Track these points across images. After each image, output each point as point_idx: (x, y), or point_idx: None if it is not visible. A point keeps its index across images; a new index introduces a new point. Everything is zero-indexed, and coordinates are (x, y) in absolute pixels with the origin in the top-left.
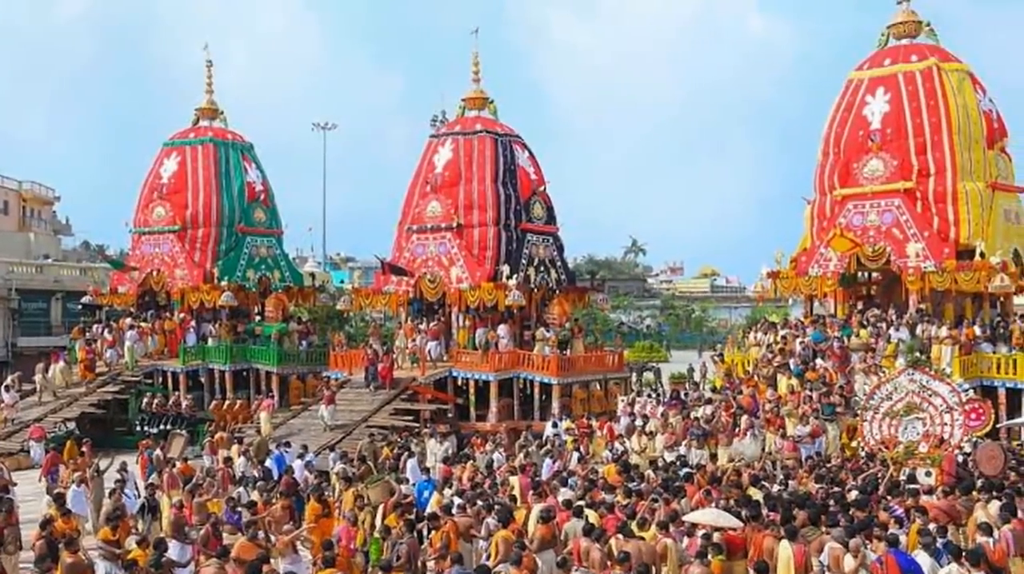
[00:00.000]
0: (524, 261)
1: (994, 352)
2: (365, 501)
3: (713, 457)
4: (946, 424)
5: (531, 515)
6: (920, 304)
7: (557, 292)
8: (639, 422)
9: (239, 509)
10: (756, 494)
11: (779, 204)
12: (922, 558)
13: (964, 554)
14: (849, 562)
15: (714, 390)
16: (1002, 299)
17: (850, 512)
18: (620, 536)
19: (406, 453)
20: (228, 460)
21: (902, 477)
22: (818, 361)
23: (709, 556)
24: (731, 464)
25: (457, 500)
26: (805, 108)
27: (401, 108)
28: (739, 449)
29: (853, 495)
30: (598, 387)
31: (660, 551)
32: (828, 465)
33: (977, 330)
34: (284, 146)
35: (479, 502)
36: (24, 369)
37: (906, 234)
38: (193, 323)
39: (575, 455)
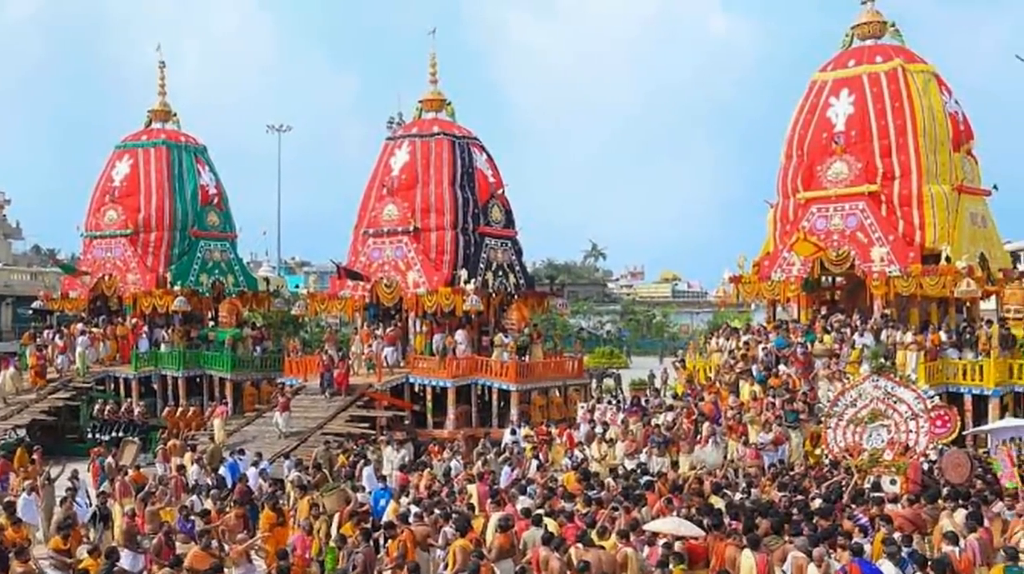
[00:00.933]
0: (482, 265)
1: (960, 358)
2: (320, 509)
3: (674, 465)
4: (911, 431)
5: (489, 524)
6: (885, 309)
7: (516, 297)
8: (599, 429)
9: (192, 518)
10: (718, 502)
11: (741, 207)
12: (887, 567)
13: (929, 563)
14: (813, 572)
15: (675, 397)
16: (968, 304)
17: (814, 521)
18: (580, 545)
19: (362, 461)
20: (181, 468)
21: (866, 485)
22: (781, 367)
23: (670, 565)
24: (693, 472)
25: (414, 508)
26: (768, 109)
27: (357, 110)
28: (701, 457)
29: (817, 503)
30: (557, 394)
31: (620, 560)
32: (791, 473)
33: (943, 336)
34: (238, 148)
35: (436, 511)
36: None
37: (871, 238)
38: (145, 328)
39: (534, 463)
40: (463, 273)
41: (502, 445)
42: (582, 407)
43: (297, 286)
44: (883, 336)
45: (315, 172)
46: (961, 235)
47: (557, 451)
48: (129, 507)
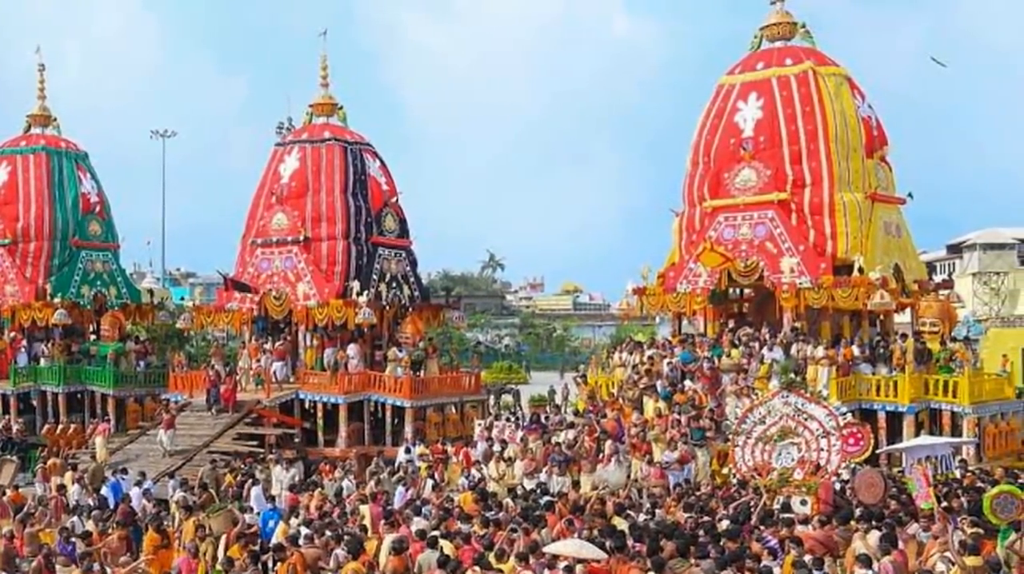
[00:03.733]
0: (375, 277)
1: (873, 373)
2: (207, 531)
3: (575, 484)
4: (823, 450)
5: (382, 546)
6: (795, 322)
7: (410, 309)
8: (497, 447)
9: (73, 540)
10: (621, 524)
11: (646, 216)
12: None
13: None
14: None
15: (577, 413)
16: (882, 317)
17: (721, 543)
18: (477, 568)
19: (250, 480)
20: (62, 488)
21: (776, 506)
22: (687, 383)
23: None
24: (595, 492)
25: (304, 530)
26: (674, 114)
27: (245, 114)
28: (603, 476)
29: (724, 525)
30: (454, 410)
31: None
32: (698, 493)
33: (855, 350)
34: (121, 155)
35: (327, 532)
36: None
37: (780, 248)
38: (24, 342)
39: (429, 482)
40: (355, 285)
41: (396, 464)
42: (479, 424)
43: (182, 298)
44: (793, 350)
45: (201, 179)
46: (874, 245)
47: (453, 470)
48: (7, 529)
